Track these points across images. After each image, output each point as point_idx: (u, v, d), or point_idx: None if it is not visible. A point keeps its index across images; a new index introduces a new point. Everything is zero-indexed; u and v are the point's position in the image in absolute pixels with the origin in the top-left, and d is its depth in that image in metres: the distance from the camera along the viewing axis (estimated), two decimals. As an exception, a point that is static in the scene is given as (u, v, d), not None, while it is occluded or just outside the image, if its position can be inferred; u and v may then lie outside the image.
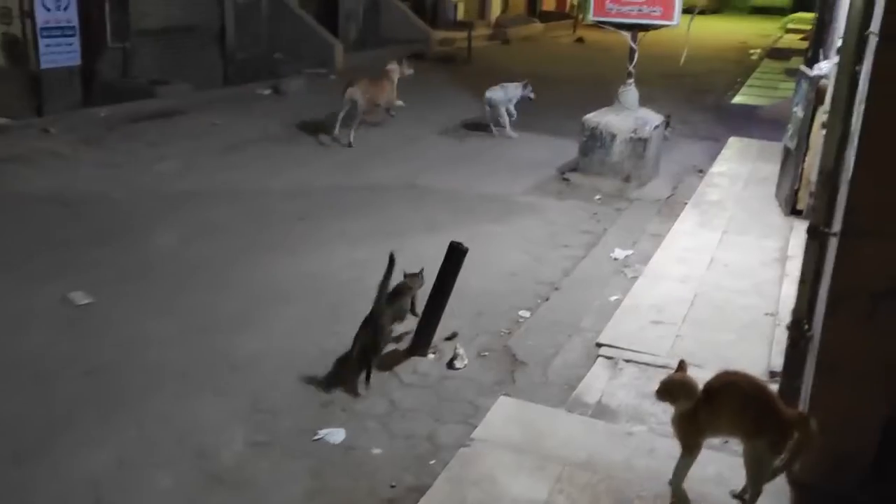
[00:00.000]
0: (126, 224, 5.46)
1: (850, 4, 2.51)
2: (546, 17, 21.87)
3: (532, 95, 8.68)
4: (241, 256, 4.96)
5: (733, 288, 4.41)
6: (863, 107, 2.27)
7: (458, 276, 3.79)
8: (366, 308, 3.55)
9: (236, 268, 4.78)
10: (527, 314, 4.34)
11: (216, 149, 7.57)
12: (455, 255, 3.76)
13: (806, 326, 2.62)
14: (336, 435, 3.12)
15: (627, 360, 3.61)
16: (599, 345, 3.78)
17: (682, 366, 2.50)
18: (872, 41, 2.28)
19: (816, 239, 2.53)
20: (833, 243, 2.42)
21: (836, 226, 2.39)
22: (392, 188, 6.58)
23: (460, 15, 17.74)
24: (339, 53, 12.43)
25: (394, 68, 8.69)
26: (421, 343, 3.82)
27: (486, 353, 3.87)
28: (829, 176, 2.48)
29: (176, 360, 3.65)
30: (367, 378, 3.46)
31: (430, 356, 3.79)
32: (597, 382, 3.45)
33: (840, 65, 2.51)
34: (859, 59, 2.42)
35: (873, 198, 2.31)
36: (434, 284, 3.77)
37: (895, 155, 2.27)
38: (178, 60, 10.87)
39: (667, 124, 7.50)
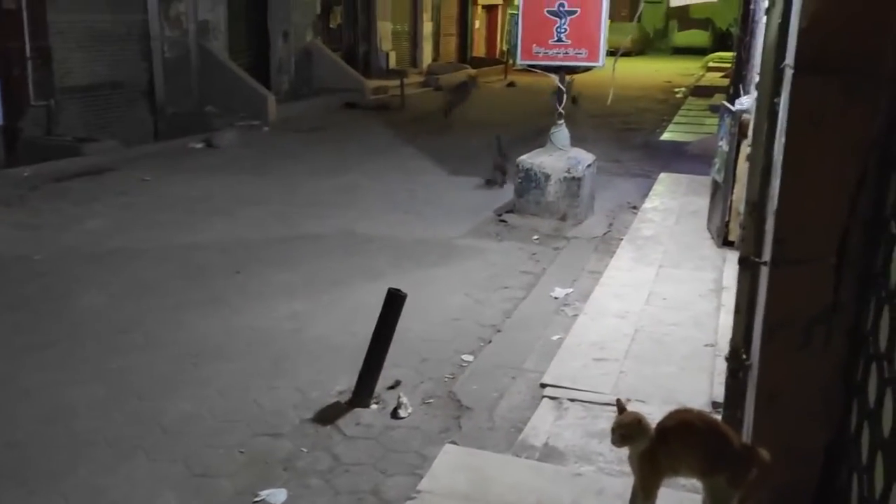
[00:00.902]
0: (48, 286, 5.23)
1: (765, 38, 2.59)
2: (477, 62, 22.35)
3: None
4: (174, 314, 4.78)
5: (672, 321, 4.46)
6: (783, 139, 2.33)
7: (398, 323, 3.73)
8: (308, 361, 3.45)
9: (169, 326, 4.61)
10: (470, 358, 4.29)
11: (145, 205, 7.38)
12: (394, 302, 3.69)
13: (744, 356, 2.64)
14: (277, 496, 2.98)
15: (572, 400, 3.58)
16: (543, 385, 3.75)
17: (620, 404, 2.48)
18: (788, 73, 2.35)
19: (748, 269, 2.57)
20: (764, 272, 2.45)
21: (766, 255, 2.42)
22: (330, 237, 6.50)
23: (392, 63, 17.95)
24: (272, 105, 12.38)
25: None
26: (363, 393, 3.72)
27: (431, 400, 3.79)
28: (756, 207, 2.52)
29: (104, 428, 3.46)
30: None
31: (373, 406, 3.69)
32: (542, 424, 3.40)
33: (758, 98, 2.59)
34: (776, 92, 2.49)
35: (799, 227, 2.35)
36: (374, 333, 3.69)
37: (817, 184, 2.32)
38: (106, 117, 10.68)
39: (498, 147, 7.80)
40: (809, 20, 2.22)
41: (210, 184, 8.28)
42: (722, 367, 3.39)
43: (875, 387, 2.15)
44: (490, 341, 4.51)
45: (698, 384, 3.67)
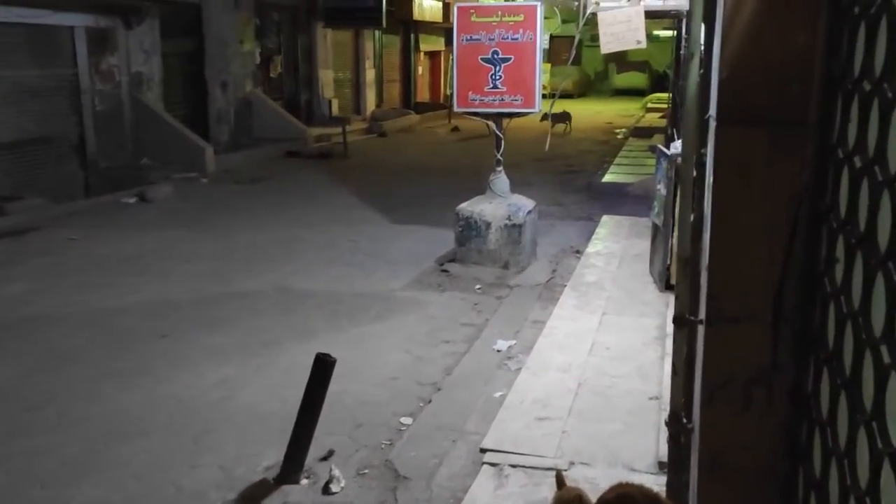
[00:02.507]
0: (-44, 360, 4.86)
1: (687, 89, 2.51)
2: (421, 108, 22.43)
3: None
4: (91, 387, 4.47)
5: (616, 373, 4.33)
6: (711, 192, 2.23)
7: (329, 388, 3.51)
8: (233, 433, 3.19)
9: (85, 400, 4.28)
10: (409, 421, 4.08)
11: (71, 267, 7.02)
12: (322, 368, 3.48)
13: (685, 420, 2.50)
14: None
15: (513, 466, 3.39)
16: (484, 450, 3.55)
17: (560, 478, 2.31)
18: (712, 125, 2.26)
19: (683, 327, 2.44)
20: (701, 331, 2.33)
21: (701, 313, 2.30)
22: (265, 294, 6.25)
23: (335, 111, 17.86)
24: (210, 156, 12.11)
25: None
26: (292, 468, 3.47)
27: (366, 471, 3.56)
28: (688, 262, 2.41)
29: (2, 523, 3.14)
30: None
31: (304, 482, 3.45)
32: (482, 495, 3.20)
33: (684, 150, 2.50)
34: (703, 142, 2.41)
35: (732, 283, 2.24)
36: (302, 402, 3.46)
37: (748, 238, 2.22)
38: (34, 174, 10.28)
39: None
40: (729, 70, 2.14)
41: (141, 241, 7.96)
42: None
43: (820, 455, 2.02)
44: (430, 401, 4.31)
45: (644, 442, 3.52)
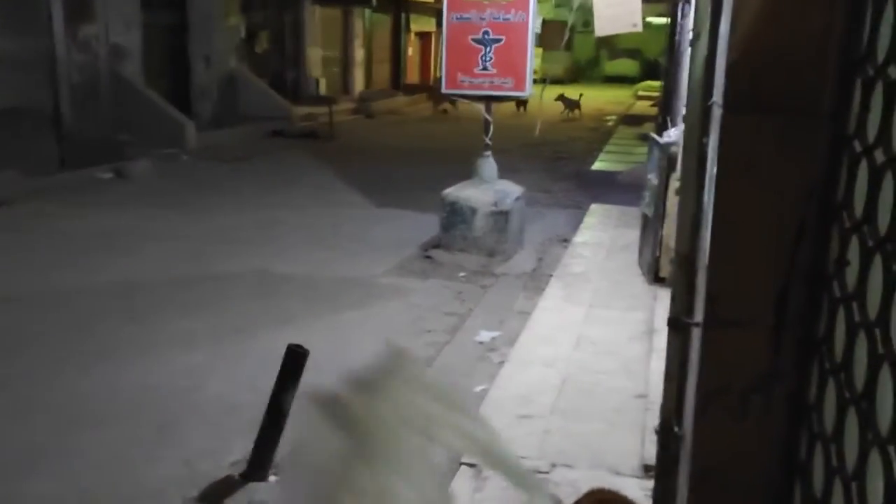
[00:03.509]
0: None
1: (690, 72, 2.33)
2: (410, 89, 22.16)
3: None
4: (50, 372, 4.25)
5: (601, 369, 4.17)
6: (713, 185, 2.05)
7: (302, 380, 3.32)
8: (200, 425, 3.01)
9: (42, 387, 4.07)
10: (385, 415, 3.90)
11: (40, 244, 6.78)
12: (294, 360, 3.30)
13: (675, 428, 2.34)
14: None
15: (493, 467, 3.23)
16: (462, 450, 3.38)
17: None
18: (716, 112, 2.08)
19: (679, 331, 2.27)
20: (696, 334, 2.16)
21: (698, 315, 2.13)
22: (242, 277, 6.04)
23: (323, 90, 17.56)
24: (191, 132, 11.83)
25: None
26: (259, 464, 3.29)
27: (338, 468, 3.38)
28: (686, 259, 2.23)
29: (-55, 519, 2.95)
30: None
31: (271, 479, 3.27)
32: (460, 497, 3.04)
33: (685, 138, 2.31)
34: (705, 131, 2.22)
35: (733, 283, 2.06)
36: (272, 395, 3.28)
37: (751, 236, 2.04)
38: (7, 147, 9.94)
39: None
40: (738, 53, 1.95)
41: (116, 218, 7.71)
42: (653, 421, 3.11)
43: (822, 473, 1.87)
44: (407, 395, 4.13)
45: (628, 443, 3.37)
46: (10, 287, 5.62)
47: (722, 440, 2.16)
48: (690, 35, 2.56)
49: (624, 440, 3.41)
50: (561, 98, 15.24)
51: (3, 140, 9.81)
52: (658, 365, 3.62)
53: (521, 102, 17.11)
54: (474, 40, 6.37)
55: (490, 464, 0.99)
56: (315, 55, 17.87)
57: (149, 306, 5.30)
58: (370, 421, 0.96)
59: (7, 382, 4.10)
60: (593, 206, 8.35)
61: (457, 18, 6.34)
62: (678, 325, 2.29)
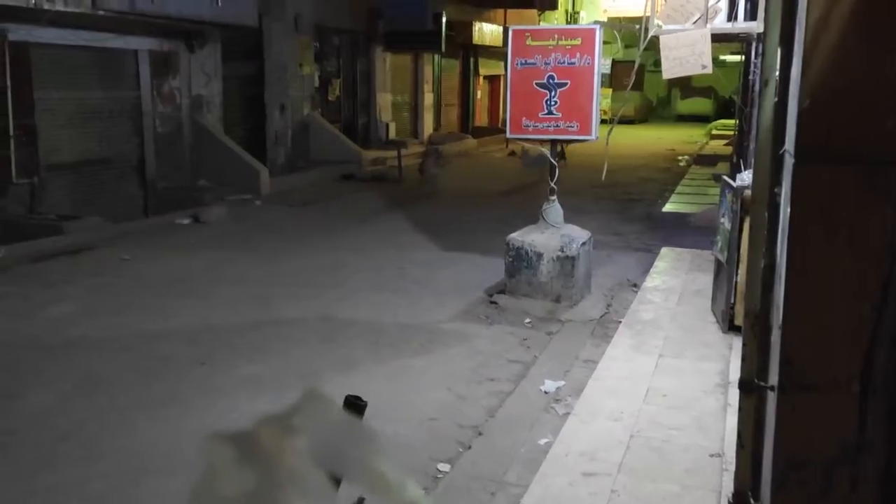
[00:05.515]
0: (-6, 383, 4.81)
1: (759, 119, 2.21)
2: (479, 132, 22.28)
3: None
4: (123, 416, 4.34)
5: (673, 424, 3.98)
6: (787, 238, 1.92)
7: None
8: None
9: (115, 432, 4.15)
10: (446, 467, 3.82)
11: (119, 287, 7.01)
12: (353, 412, 3.25)
13: (751, 500, 2.17)
14: None
15: (556, 529, 3.09)
16: (524, 509, 3.26)
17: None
18: (788, 161, 1.96)
19: (751, 394, 2.12)
20: (772, 399, 2.01)
21: (773, 379, 1.99)
22: (308, 322, 6.08)
23: (392, 134, 17.84)
24: (265, 178, 12.16)
25: None
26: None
27: (397, 524, 3.30)
28: (758, 319, 2.10)
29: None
30: None
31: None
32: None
33: (754, 188, 2.19)
34: (777, 181, 2.10)
35: (811, 345, 1.92)
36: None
37: (831, 293, 1.89)
38: (95, 194, 10.46)
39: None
40: (811, 98, 1.84)
41: (190, 262, 7.93)
42: (730, 484, 2.92)
43: (919, 559, 1.69)
44: (469, 447, 4.04)
45: (703, 507, 3.18)
46: (90, 330, 5.81)
47: (803, 516, 1.99)
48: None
49: None
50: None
51: (92, 188, 10.33)
52: (735, 421, 3.43)
53: (563, 155, 16.26)
54: (538, 85, 6.34)
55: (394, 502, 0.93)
56: (385, 101, 18.22)
57: (217, 351, 5.38)
58: (276, 455, 0.91)
59: (85, 425, 4.20)
60: (664, 250, 8.11)
61: (521, 64, 6.34)
62: (751, 388, 2.15)
